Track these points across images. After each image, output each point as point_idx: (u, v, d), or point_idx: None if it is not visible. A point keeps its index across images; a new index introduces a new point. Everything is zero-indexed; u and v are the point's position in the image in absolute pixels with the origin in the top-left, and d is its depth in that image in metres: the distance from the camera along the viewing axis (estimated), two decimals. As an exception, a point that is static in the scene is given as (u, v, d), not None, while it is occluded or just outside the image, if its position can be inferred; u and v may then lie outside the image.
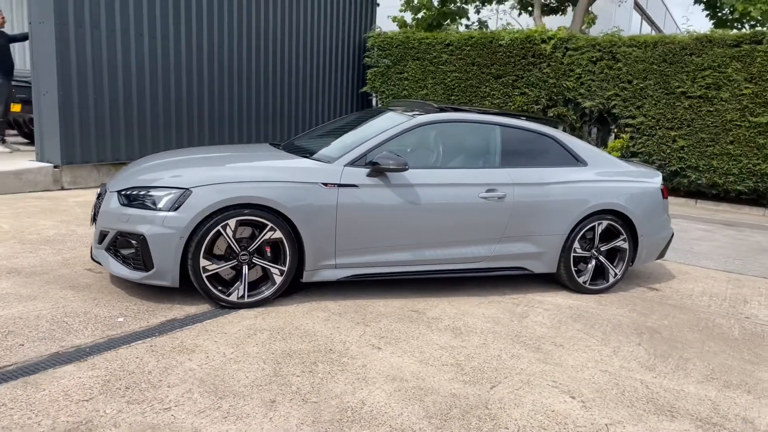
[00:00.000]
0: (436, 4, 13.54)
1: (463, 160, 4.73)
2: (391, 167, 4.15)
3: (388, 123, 4.61)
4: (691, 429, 2.88)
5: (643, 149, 10.20)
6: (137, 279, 3.83)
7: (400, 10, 13.78)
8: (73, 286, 4.08)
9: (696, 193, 10.28)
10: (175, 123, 8.91)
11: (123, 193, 3.93)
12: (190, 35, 8.95)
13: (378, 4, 13.55)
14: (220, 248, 3.95)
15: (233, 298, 3.91)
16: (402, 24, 13.49)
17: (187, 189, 3.79)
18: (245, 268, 3.94)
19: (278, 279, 4.01)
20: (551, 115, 10.98)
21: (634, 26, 23.13)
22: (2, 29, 8.52)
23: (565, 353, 3.67)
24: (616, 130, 10.70)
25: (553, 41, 10.71)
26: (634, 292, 5.11)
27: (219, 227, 3.79)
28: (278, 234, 3.94)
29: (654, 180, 5.20)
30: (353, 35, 12.46)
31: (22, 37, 8.60)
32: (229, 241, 3.86)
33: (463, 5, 13.74)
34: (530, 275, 5.10)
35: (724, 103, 9.45)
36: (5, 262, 4.47)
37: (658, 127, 10.05)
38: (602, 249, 4.96)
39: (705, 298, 5.08)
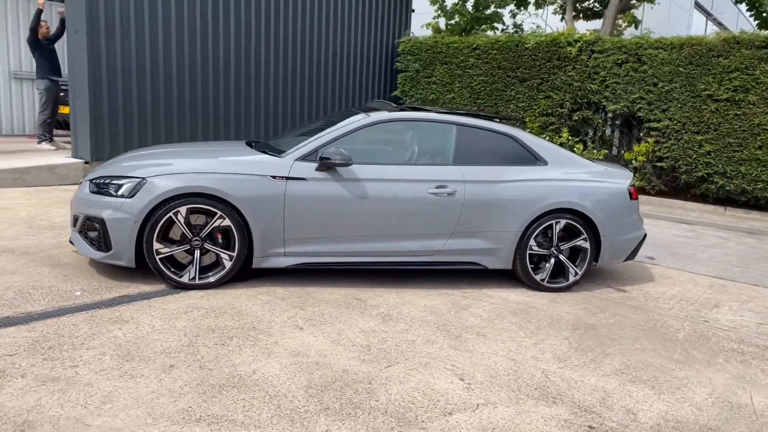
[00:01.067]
0: (469, 8, 13.63)
1: (417, 157, 4.91)
2: (336, 162, 4.40)
3: (350, 122, 4.86)
4: (563, 414, 2.96)
5: (669, 154, 9.91)
6: (99, 258, 4.26)
7: (434, 17, 13.97)
8: (54, 264, 4.56)
9: (726, 200, 9.87)
10: (201, 125, 9.49)
11: (93, 181, 4.37)
12: (218, 41, 9.51)
13: (413, 11, 13.81)
14: (175, 234, 4.31)
15: (185, 279, 4.27)
16: (436, 30, 13.67)
17: (143, 178, 4.19)
18: (197, 253, 4.29)
19: (228, 264, 4.34)
20: (576, 119, 10.85)
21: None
22: (49, 37, 9.38)
23: (483, 342, 3.79)
24: (641, 134, 10.45)
25: (579, 44, 10.60)
26: (599, 292, 5.11)
27: (171, 214, 4.17)
28: (227, 222, 4.27)
29: (620, 181, 5.17)
30: (386, 41, 12.77)
31: (56, 36, 9.41)
32: (181, 227, 4.22)
33: (498, 9, 13.76)
34: (497, 273, 5.17)
35: (752, 106, 9.06)
36: (6, 243, 5.03)
37: (683, 131, 9.74)
38: (562, 248, 4.99)
39: (672, 302, 5.00)
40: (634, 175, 10.14)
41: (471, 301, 4.59)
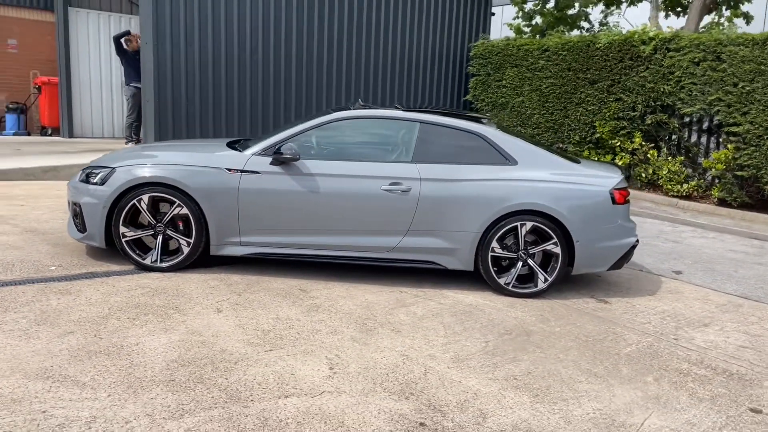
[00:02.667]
0: (549, 8, 13.11)
1: (375, 153, 4.92)
2: (287, 157, 4.57)
3: (313, 119, 4.99)
4: (405, 409, 2.88)
5: (750, 162, 8.87)
6: (79, 239, 4.78)
7: (514, 17, 13.61)
8: (57, 244, 5.17)
9: (821, 215, 8.64)
10: (262, 129, 10.09)
11: (84, 171, 4.92)
12: (279, 47, 10.07)
13: (493, 14, 13.59)
14: (144, 219, 4.73)
15: (147, 261, 4.66)
16: (518, 32, 13.31)
17: (113, 168, 4.65)
18: (159, 238, 4.67)
19: (186, 250, 4.67)
20: (649, 122, 10.06)
21: None
22: (137, 50, 10.51)
23: (390, 338, 3.75)
24: (720, 139, 9.44)
25: (653, 42, 9.83)
26: (575, 300, 4.78)
27: (135, 201, 4.58)
28: (185, 211, 4.60)
29: (600, 183, 4.81)
30: (459, 45, 12.70)
31: (121, 36, 10.50)
32: (145, 214, 4.62)
33: (583, 9, 13.09)
34: (471, 275, 5.01)
35: None
36: (35, 224, 5.77)
37: (766, 137, 8.67)
38: (532, 252, 4.75)
39: (654, 317, 4.56)
40: (716, 185, 9.23)
41: (419, 299, 4.52)
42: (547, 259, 4.81)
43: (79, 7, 12.76)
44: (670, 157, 9.95)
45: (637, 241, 5.01)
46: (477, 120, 5.11)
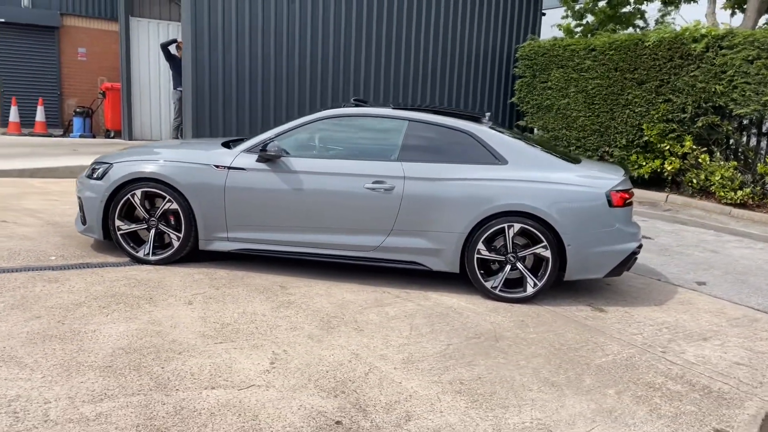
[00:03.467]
0: (601, 6, 12.57)
1: (361, 151, 4.87)
2: (269, 154, 4.62)
3: (303, 118, 5.01)
4: (328, 407, 2.82)
5: (810, 166, 8.14)
6: (81, 231, 5.01)
7: (562, 16, 13.17)
8: (67, 236, 5.45)
9: None
10: (297, 129, 10.26)
11: (90, 166, 5.17)
12: (316, 51, 10.22)
13: (544, 14, 13.22)
14: (139, 214, 4.90)
15: (140, 254, 4.83)
16: (568, 32, 12.86)
17: (111, 164, 4.85)
18: (152, 232, 4.83)
19: (176, 244, 4.80)
20: (700, 125, 9.45)
21: None
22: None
23: (348, 336, 3.69)
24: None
25: (705, 39, 9.23)
26: (567, 308, 4.55)
27: (128, 195, 4.76)
28: (175, 206, 4.73)
29: (597, 184, 4.55)
30: (506, 46, 12.44)
31: (168, 43, 10.92)
32: (138, 208, 4.79)
33: (638, 6, 12.47)
34: (465, 278, 4.87)
35: None
36: (57, 218, 6.12)
37: (828, 139, 7.94)
38: (520, 255, 4.56)
39: (649, 328, 4.27)
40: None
41: (399, 300, 4.44)
42: (539, 264, 4.60)
43: (140, 17, 13.46)
44: (723, 162, 9.29)
45: (639, 246, 4.70)
46: (471, 118, 4.96)
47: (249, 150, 4.77)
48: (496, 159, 4.65)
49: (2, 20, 13.48)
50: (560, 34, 12.83)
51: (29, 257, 4.75)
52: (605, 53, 10.58)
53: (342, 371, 3.22)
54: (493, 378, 3.29)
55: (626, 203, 4.60)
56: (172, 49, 11.05)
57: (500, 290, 4.57)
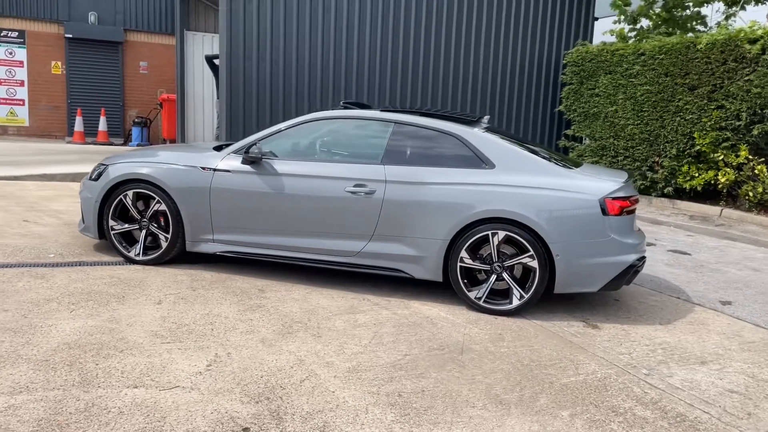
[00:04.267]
0: (658, 11, 11.88)
1: (345, 154, 4.76)
2: (250, 156, 4.60)
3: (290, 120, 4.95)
4: (241, 410, 2.71)
5: None
6: (80, 231, 5.16)
7: (614, 22, 12.56)
8: (76, 236, 5.63)
9: None
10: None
11: (93, 169, 5.33)
12: (351, 59, 10.23)
13: (596, 19, 12.69)
14: (132, 214, 4.99)
15: (131, 254, 4.91)
16: (622, 37, 12.23)
17: (107, 165, 4.98)
18: (143, 232, 4.91)
19: (164, 245, 4.85)
20: (756, 133, 8.70)
21: None
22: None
23: (299, 341, 3.57)
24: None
25: (761, 41, 8.52)
26: (554, 322, 4.23)
27: (121, 196, 4.86)
28: (163, 207, 4.79)
29: (590, 190, 4.21)
30: (554, 52, 12.01)
31: (213, 56, 11.17)
32: (130, 209, 4.88)
33: (698, 9, 11.70)
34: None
35: None
36: (76, 218, 6.34)
37: None
38: (507, 264, 4.29)
39: (642, 348, 3.89)
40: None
41: (376, 308, 4.27)
42: (527, 275, 4.31)
43: (195, 31, 14.00)
44: (781, 174, 8.51)
45: (641, 259, 4.32)
46: (462, 121, 4.74)
47: (236, 152, 4.77)
48: (483, 163, 4.41)
49: (70, 36, 14.39)
50: (613, 40, 12.25)
51: (30, 254, 4.93)
52: (655, 57, 9.99)
53: (277, 377, 3.10)
54: (438, 392, 3.07)
55: (624, 212, 4.24)
56: (217, 61, 11.38)
57: (485, 301, 4.32)
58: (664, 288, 5.34)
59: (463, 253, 4.30)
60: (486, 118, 5.13)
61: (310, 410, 2.79)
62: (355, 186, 4.45)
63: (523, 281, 4.31)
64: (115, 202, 4.87)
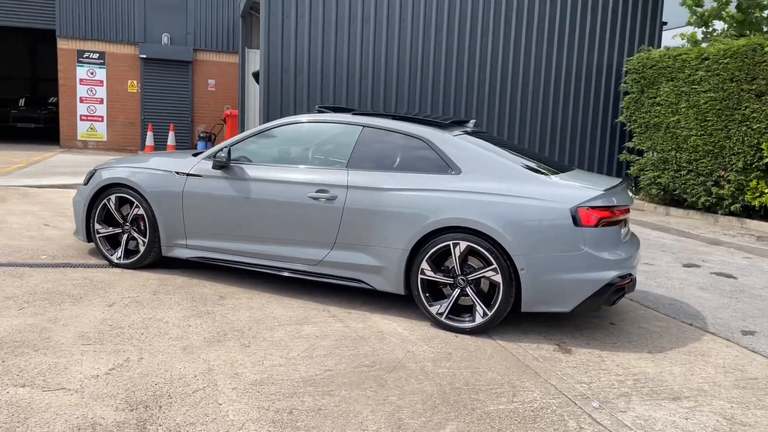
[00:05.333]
0: (732, 12, 10.83)
1: (311, 159, 4.59)
2: (217, 161, 4.55)
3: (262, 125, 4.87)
4: (111, 417, 2.58)
5: None
6: (74, 234, 5.32)
7: (686, 24, 11.59)
8: (79, 240, 5.83)
9: None
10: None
11: (87, 174, 5.49)
12: (391, 70, 10.11)
13: (665, 23, 11.82)
14: (116, 218, 5.07)
15: (113, 258, 4.99)
16: (694, 42, 11.27)
17: (96, 170, 5.11)
18: (125, 236, 4.97)
19: (141, 249, 4.89)
20: (835, 142, 7.65)
21: None
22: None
23: (226, 350, 3.42)
24: None
25: (841, 38, 7.52)
26: (521, 344, 3.81)
27: (105, 200, 4.96)
28: (141, 211, 4.84)
29: (562, 198, 3.78)
30: (616, 59, 11.29)
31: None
32: (114, 213, 4.97)
33: (780, 9, 10.55)
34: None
35: None
36: (94, 225, 6.59)
37: None
38: (470, 278, 3.94)
39: (609, 378, 3.41)
40: None
41: (328, 320, 4.05)
42: (494, 290, 3.93)
43: (256, 48, 14.45)
44: None
45: (625, 277, 3.81)
46: (434, 124, 4.42)
47: (208, 157, 4.73)
48: (450, 168, 4.09)
49: (144, 56, 15.31)
50: (683, 43, 11.34)
51: (25, 255, 5.14)
52: (719, 62, 9.09)
53: (173, 386, 2.95)
54: (335, 412, 2.80)
55: (602, 223, 3.76)
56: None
57: (446, 317, 3.97)
58: (680, 313, 4.72)
59: (424, 265, 3.99)
60: (472, 122, 4.80)
61: (182, 422, 2.62)
62: (318, 192, 4.27)
63: (489, 297, 3.93)
64: (100, 206, 4.98)
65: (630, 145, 11.01)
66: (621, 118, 11.15)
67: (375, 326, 3.99)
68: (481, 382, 3.22)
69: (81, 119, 15.36)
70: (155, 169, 4.82)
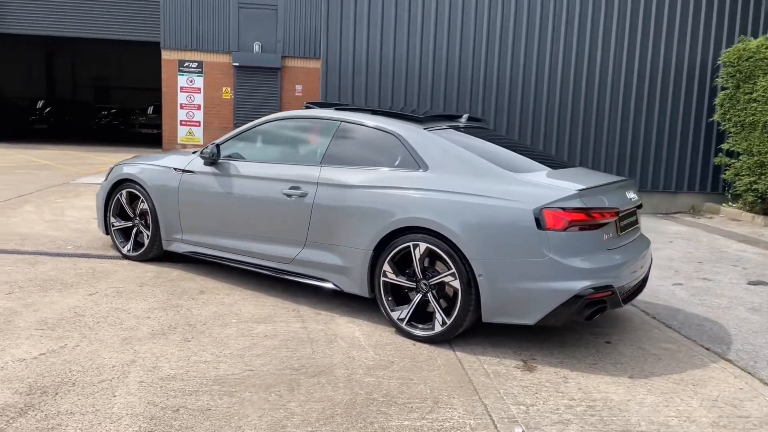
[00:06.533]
0: None
1: (290, 155, 4.52)
2: (203, 156, 4.63)
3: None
4: (4, 399, 2.66)
5: None
6: (97, 226, 5.64)
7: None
8: (116, 233, 6.18)
9: None
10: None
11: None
12: (453, 65, 9.81)
13: (773, 9, 10.44)
14: (128, 212, 5.29)
15: (124, 250, 5.22)
16: (808, 30, 9.80)
17: (114, 166, 5.38)
18: (134, 229, 5.19)
19: (146, 242, 5.07)
20: None
21: None
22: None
23: (162, 343, 3.42)
24: None
25: None
26: (483, 357, 3.47)
27: (118, 195, 5.21)
28: (146, 206, 5.02)
29: (527, 197, 3.39)
30: (712, 52, 10.15)
31: None
32: (125, 207, 5.21)
33: None
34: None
35: None
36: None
37: None
38: (431, 282, 3.66)
39: (559, 401, 3.01)
40: None
41: (291, 319, 3.94)
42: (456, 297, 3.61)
43: (338, 53, 14.68)
44: None
45: (599, 289, 3.33)
46: (411, 119, 4.14)
47: (202, 153, 4.81)
48: (417, 164, 3.83)
49: (237, 65, 16.12)
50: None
51: (55, 245, 5.54)
52: (826, 49, 7.85)
53: (85, 374, 2.99)
54: (222, 414, 2.68)
55: (574, 226, 3.32)
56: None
57: (407, 323, 3.71)
58: (704, 335, 4.08)
59: (387, 267, 3.76)
60: (465, 116, 4.50)
61: (63, 411, 2.63)
62: (291, 188, 4.19)
63: (453, 305, 3.62)
64: (114, 201, 5.24)
65: (725, 146, 9.84)
66: (715, 117, 9.99)
67: (334, 329, 3.82)
68: (404, 395, 2.95)
69: (181, 124, 16.49)
70: (158, 166, 4.99)
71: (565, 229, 3.31)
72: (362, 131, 4.16)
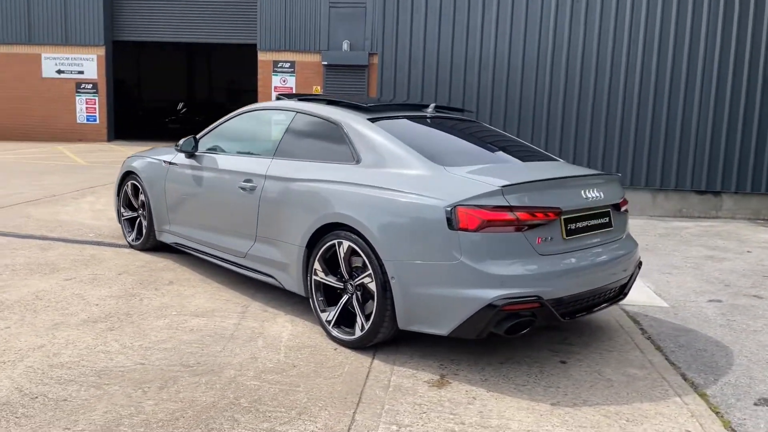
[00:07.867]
0: None
1: (251, 147, 4.44)
2: (177, 147, 4.73)
3: None
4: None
5: None
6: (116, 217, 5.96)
7: None
8: (145, 223, 6.50)
9: None
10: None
11: (127, 164, 6.04)
12: (516, 63, 9.23)
13: None
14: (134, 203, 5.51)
15: (129, 239, 5.46)
16: None
17: (125, 159, 5.64)
18: (138, 220, 5.40)
19: (144, 231, 5.25)
20: None
21: None
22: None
23: (94, 333, 3.49)
24: None
25: None
26: (398, 368, 3.17)
27: (125, 187, 5.46)
28: (144, 197, 5.20)
29: (440, 193, 3.02)
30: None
31: None
32: (131, 198, 5.43)
33: None
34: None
35: None
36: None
37: None
38: (356, 283, 3.40)
39: (442, 423, 2.65)
40: None
41: (232, 315, 3.87)
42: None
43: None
44: None
45: (520, 300, 2.89)
46: (360, 108, 3.85)
47: (180, 146, 4.87)
48: (352, 156, 3.58)
49: (326, 63, 16.43)
50: None
51: (79, 232, 5.92)
52: None
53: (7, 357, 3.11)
54: (73, 406, 2.64)
55: (491, 226, 2.90)
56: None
57: (333, 326, 3.48)
58: (695, 362, 3.45)
59: (317, 265, 3.55)
60: (432, 106, 4.16)
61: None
62: (245, 181, 4.11)
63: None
64: (122, 191, 5.49)
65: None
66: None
67: (266, 328, 3.68)
68: (273, 402, 2.75)
69: (275, 122, 17.13)
70: (154, 159, 5.14)
71: (479, 230, 2.90)
72: (312, 122, 3.98)
